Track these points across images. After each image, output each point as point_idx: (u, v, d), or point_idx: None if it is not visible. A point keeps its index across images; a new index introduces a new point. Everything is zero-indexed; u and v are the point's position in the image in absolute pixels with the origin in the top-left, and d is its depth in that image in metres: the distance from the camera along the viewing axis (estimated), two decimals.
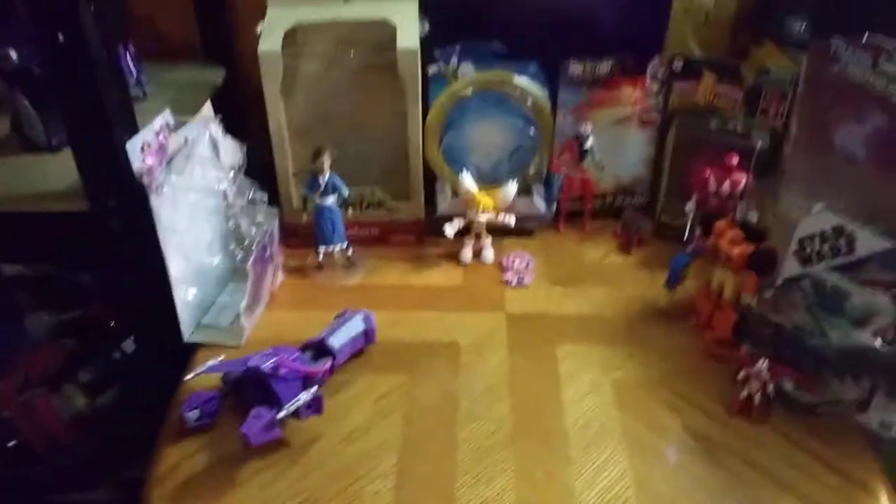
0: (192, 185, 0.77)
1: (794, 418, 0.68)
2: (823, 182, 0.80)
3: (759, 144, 0.89)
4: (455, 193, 0.94)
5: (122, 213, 0.70)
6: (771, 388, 0.68)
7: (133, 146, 0.67)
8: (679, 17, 1.15)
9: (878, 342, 0.66)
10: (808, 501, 0.61)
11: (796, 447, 0.66)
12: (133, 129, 0.69)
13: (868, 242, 0.70)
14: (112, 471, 0.97)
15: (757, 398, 0.68)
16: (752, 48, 1.15)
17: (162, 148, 0.71)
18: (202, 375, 0.68)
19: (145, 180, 0.68)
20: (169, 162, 0.73)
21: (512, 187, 0.90)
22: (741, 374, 0.69)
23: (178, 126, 0.75)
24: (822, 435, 0.67)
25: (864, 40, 0.72)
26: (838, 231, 0.70)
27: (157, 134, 0.71)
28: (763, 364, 0.68)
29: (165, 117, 0.72)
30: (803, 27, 1.07)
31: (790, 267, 0.73)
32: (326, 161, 0.82)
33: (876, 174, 0.75)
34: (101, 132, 0.67)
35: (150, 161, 0.69)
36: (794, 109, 0.86)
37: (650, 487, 0.62)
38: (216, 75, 1.02)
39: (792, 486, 0.62)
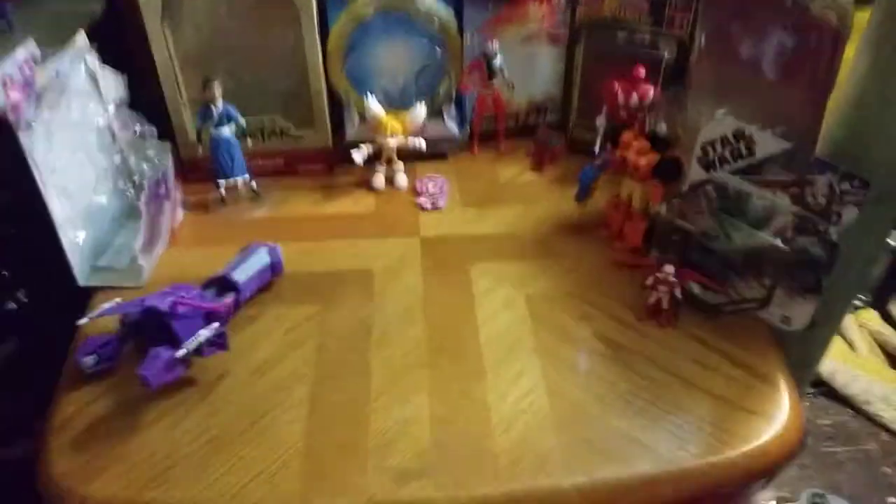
0: (68, 120, 0.71)
1: (701, 320, 0.70)
2: (728, 90, 0.81)
3: (665, 55, 0.89)
4: (363, 118, 0.91)
5: None
6: (678, 291, 0.69)
7: None
8: None
9: (778, 241, 0.68)
10: (713, 396, 0.63)
11: (703, 346, 0.68)
12: None
13: (766, 144, 0.71)
14: (26, 425, 0.93)
15: (665, 302, 0.69)
16: None
17: (28, 82, 0.65)
18: (101, 319, 0.65)
19: (11, 117, 0.63)
20: (39, 97, 0.67)
21: (421, 109, 0.87)
22: (649, 280, 0.70)
23: (48, 58, 0.69)
24: (727, 333, 0.69)
25: None
26: (738, 134, 0.71)
27: (21, 67, 0.65)
28: (670, 269, 0.69)
29: (29, 49, 0.66)
30: None
31: (694, 173, 0.74)
32: (217, 90, 0.78)
33: (776, 79, 0.76)
34: None
35: (14, 96, 0.63)
36: (698, 19, 0.86)
37: (563, 394, 0.63)
38: (94, 5, 0.94)
39: (698, 383, 0.64)
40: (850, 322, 1.48)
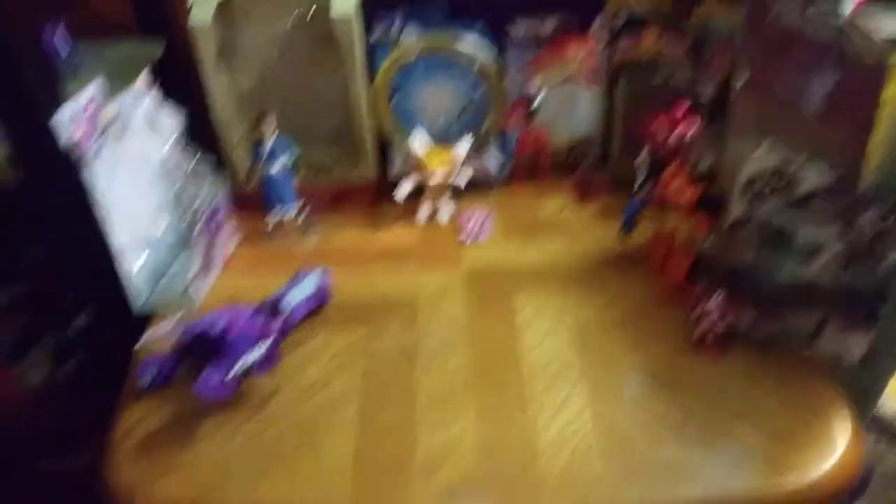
0: (130, 154, 0.75)
1: (749, 352, 0.69)
2: (769, 125, 0.81)
3: (705, 93, 0.90)
4: (408, 155, 0.93)
5: (54, 185, 0.69)
6: (726, 322, 0.69)
7: (61, 118, 0.65)
8: None
9: (826, 274, 0.67)
10: (765, 428, 0.62)
11: (753, 379, 0.67)
12: (59, 102, 0.67)
13: (811, 177, 0.71)
14: (83, 439, 0.94)
15: (712, 334, 0.69)
16: (694, 3, 1.17)
17: (93, 118, 0.69)
18: (157, 341, 0.68)
19: (76, 151, 0.67)
20: (102, 132, 0.71)
21: (464, 146, 0.90)
22: (696, 312, 0.69)
23: (113, 97, 0.74)
24: (778, 367, 0.68)
25: None
26: (784, 168, 0.72)
27: (87, 105, 0.69)
28: (718, 300, 0.68)
29: (95, 87, 0.70)
30: None
31: (738, 207, 0.74)
32: (270, 124, 0.81)
33: (818, 115, 0.76)
34: (24, 105, 0.65)
35: (79, 132, 0.67)
36: (737, 60, 0.87)
37: (609, 423, 0.62)
38: (155, 49, 0.99)
39: (749, 415, 0.63)
40: None
